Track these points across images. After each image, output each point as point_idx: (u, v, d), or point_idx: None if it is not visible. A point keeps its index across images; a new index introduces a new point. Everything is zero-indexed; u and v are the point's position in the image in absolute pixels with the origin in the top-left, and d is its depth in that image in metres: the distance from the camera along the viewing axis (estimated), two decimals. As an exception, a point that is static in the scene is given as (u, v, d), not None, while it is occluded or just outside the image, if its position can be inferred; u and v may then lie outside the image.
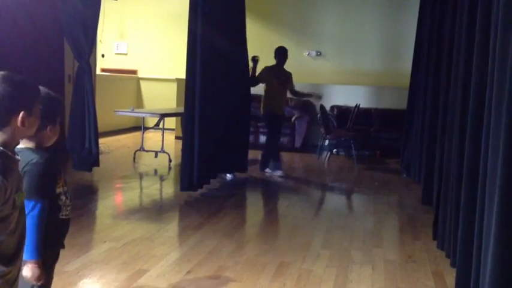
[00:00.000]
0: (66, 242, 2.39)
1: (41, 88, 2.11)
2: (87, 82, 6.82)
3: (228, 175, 7.35)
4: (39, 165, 2.11)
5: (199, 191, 6.38)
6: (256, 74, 7.67)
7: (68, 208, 2.27)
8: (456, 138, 4.08)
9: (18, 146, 2.14)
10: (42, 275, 2.12)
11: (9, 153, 1.71)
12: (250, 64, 7.58)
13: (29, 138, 2.13)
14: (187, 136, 6.30)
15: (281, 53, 7.70)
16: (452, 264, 3.98)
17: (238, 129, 7.37)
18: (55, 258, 2.33)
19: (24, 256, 1.99)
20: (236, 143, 7.29)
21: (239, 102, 7.32)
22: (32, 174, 2.07)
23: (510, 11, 2.70)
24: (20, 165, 2.08)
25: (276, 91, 7.69)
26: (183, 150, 6.29)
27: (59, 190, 2.22)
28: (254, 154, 8.38)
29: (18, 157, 1.79)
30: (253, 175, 7.70)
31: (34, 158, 2.11)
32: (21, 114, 1.71)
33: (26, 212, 1.98)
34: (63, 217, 2.24)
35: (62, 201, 2.23)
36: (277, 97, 7.71)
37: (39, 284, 2.14)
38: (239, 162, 7.46)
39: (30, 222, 2.02)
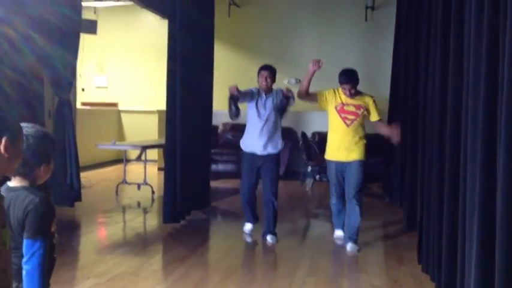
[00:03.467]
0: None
1: (38, 127, 2.14)
2: (68, 117, 6.81)
3: (268, 239, 5.74)
4: (42, 204, 2.12)
5: (182, 223, 6.35)
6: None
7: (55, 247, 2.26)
8: (435, 162, 4.13)
9: (12, 185, 2.15)
10: None
11: None
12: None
13: (23, 176, 2.16)
14: (169, 167, 6.29)
15: None
16: (438, 288, 3.99)
17: (202, 162, 7.25)
18: None
19: None
20: (200, 177, 7.14)
21: (204, 133, 7.32)
22: (36, 214, 2.09)
23: (480, 40, 2.78)
24: (9, 202, 2.08)
25: None
26: (165, 181, 6.26)
27: (53, 229, 2.22)
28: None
29: (2, 193, 1.77)
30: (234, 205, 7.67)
31: (35, 197, 2.12)
32: (4, 139, 1.70)
33: (30, 252, 2.02)
34: (54, 256, 2.23)
35: (55, 240, 2.23)
36: None
37: None
38: (202, 198, 7.27)
39: (36, 263, 2.04)
